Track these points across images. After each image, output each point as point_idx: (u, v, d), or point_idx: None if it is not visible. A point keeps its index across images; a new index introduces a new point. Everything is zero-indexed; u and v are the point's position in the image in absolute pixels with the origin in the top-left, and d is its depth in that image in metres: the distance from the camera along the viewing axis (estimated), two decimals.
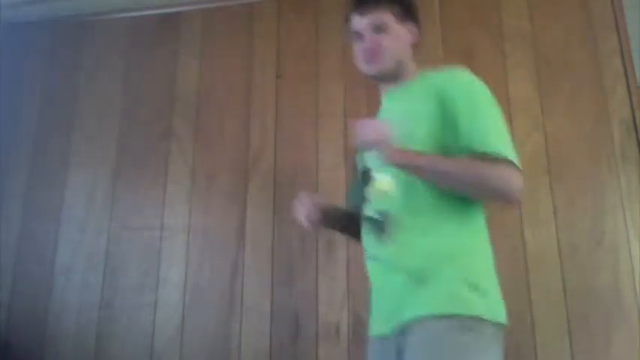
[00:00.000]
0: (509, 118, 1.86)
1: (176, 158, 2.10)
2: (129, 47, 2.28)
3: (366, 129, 1.11)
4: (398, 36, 1.25)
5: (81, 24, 2.36)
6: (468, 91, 1.17)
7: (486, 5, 2.00)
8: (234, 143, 2.06)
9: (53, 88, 2.30)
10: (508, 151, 1.09)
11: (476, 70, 1.92)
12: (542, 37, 1.92)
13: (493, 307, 1.07)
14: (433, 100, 1.16)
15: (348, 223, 1.34)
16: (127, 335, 1.94)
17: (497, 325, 1.05)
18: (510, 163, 1.07)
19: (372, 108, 1.97)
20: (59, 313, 2.00)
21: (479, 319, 1.03)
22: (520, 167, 1.08)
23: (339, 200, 1.89)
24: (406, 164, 1.10)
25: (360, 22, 1.25)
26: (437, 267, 1.08)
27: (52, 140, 2.23)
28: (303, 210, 1.26)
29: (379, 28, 1.24)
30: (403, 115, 1.20)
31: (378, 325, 1.18)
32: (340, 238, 1.85)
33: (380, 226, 1.17)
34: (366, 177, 1.25)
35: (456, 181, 1.10)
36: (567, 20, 1.92)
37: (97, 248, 2.05)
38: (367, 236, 1.22)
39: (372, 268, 1.21)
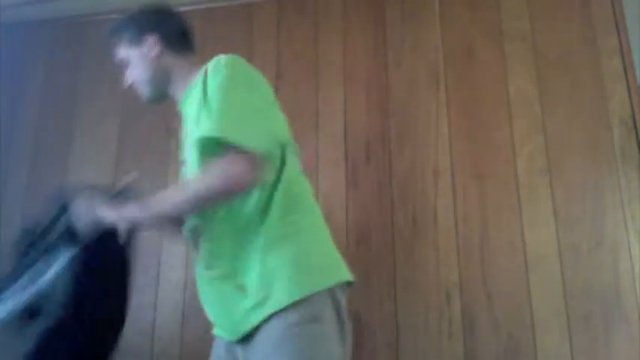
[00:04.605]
0: (510, 118, 1.86)
1: (176, 158, 2.10)
2: None
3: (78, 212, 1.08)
4: (138, 62, 1.25)
5: (81, 24, 2.36)
6: (216, 78, 1.09)
7: (486, 5, 1.99)
8: None
9: (53, 88, 2.30)
10: (233, 133, 0.98)
11: (476, 70, 1.95)
12: (542, 37, 1.92)
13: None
14: (203, 92, 1.10)
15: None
16: (126, 335, 1.94)
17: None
18: (234, 148, 0.98)
19: (372, 107, 1.99)
20: None
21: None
22: (254, 146, 1.00)
23: (340, 203, 1.91)
24: (127, 222, 1.06)
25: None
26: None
27: (52, 140, 2.23)
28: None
29: (125, 65, 1.27)
30: (194, 114, 1.15)
31: (222, 330, 1.20)
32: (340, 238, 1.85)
33: (193, 237, 1.15)
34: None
35: (184, 211, 1.10)
36: (567, 20, 1.92)
37: None
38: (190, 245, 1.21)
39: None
